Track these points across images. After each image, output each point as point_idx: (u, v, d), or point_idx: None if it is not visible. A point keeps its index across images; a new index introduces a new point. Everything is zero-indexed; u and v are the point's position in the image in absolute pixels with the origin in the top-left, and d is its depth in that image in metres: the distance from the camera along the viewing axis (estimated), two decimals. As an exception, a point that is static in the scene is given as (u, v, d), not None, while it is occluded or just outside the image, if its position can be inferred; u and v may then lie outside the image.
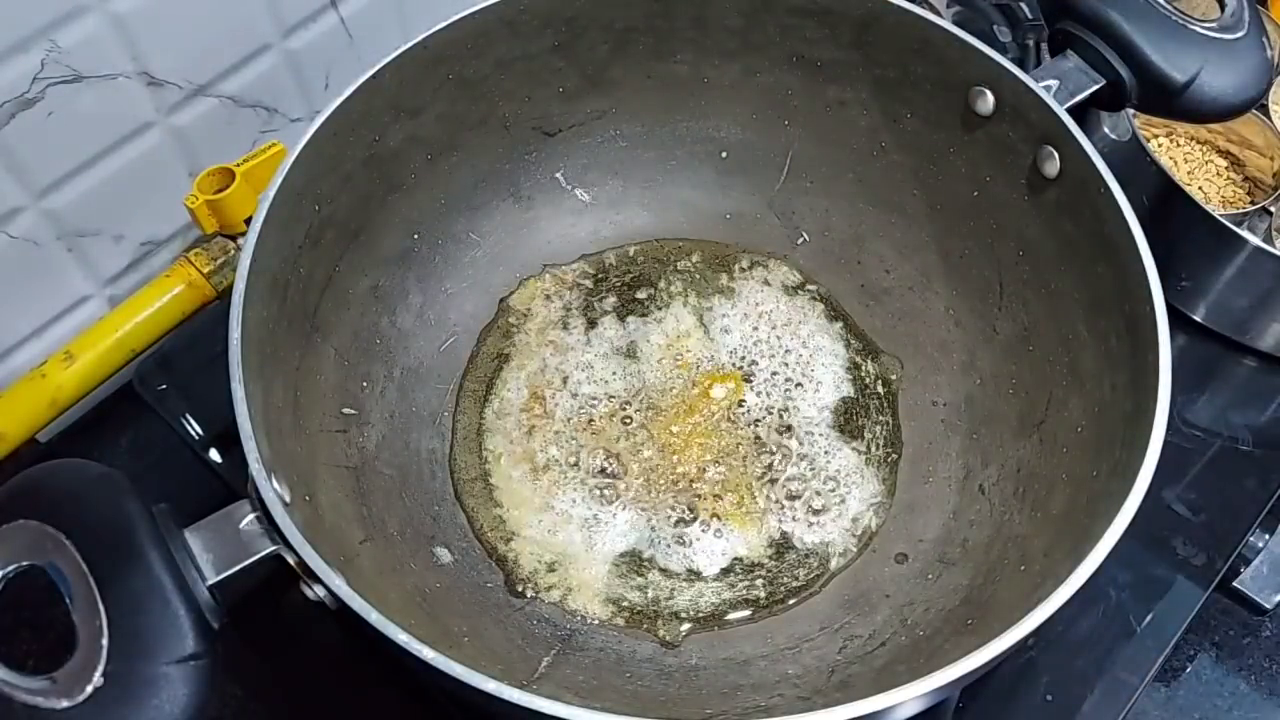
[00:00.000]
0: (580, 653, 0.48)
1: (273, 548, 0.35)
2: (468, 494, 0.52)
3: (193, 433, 0.55)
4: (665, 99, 0.59)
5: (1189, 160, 0.67)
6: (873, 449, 0.54)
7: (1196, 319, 0.61)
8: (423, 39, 0.50)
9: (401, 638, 0.34)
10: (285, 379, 0.45)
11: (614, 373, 0.56)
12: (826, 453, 0.54)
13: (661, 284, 0.60)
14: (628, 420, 0.55)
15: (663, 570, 0.50)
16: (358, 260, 0.52)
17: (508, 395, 0.56)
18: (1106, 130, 0.62)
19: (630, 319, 0.58)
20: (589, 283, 0.60)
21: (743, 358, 0.57)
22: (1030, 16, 0.69)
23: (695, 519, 0.52)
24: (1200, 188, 0.65)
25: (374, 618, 0.34)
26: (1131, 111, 0.60)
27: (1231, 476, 0.57)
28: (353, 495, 0.48)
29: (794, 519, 0.52)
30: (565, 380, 0.56)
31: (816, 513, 0.52)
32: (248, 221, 0.45)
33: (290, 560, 0.36)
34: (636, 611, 0.49)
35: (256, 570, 0.36)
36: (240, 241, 0.58)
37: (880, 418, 0.55)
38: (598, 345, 0.57)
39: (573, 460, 0.53)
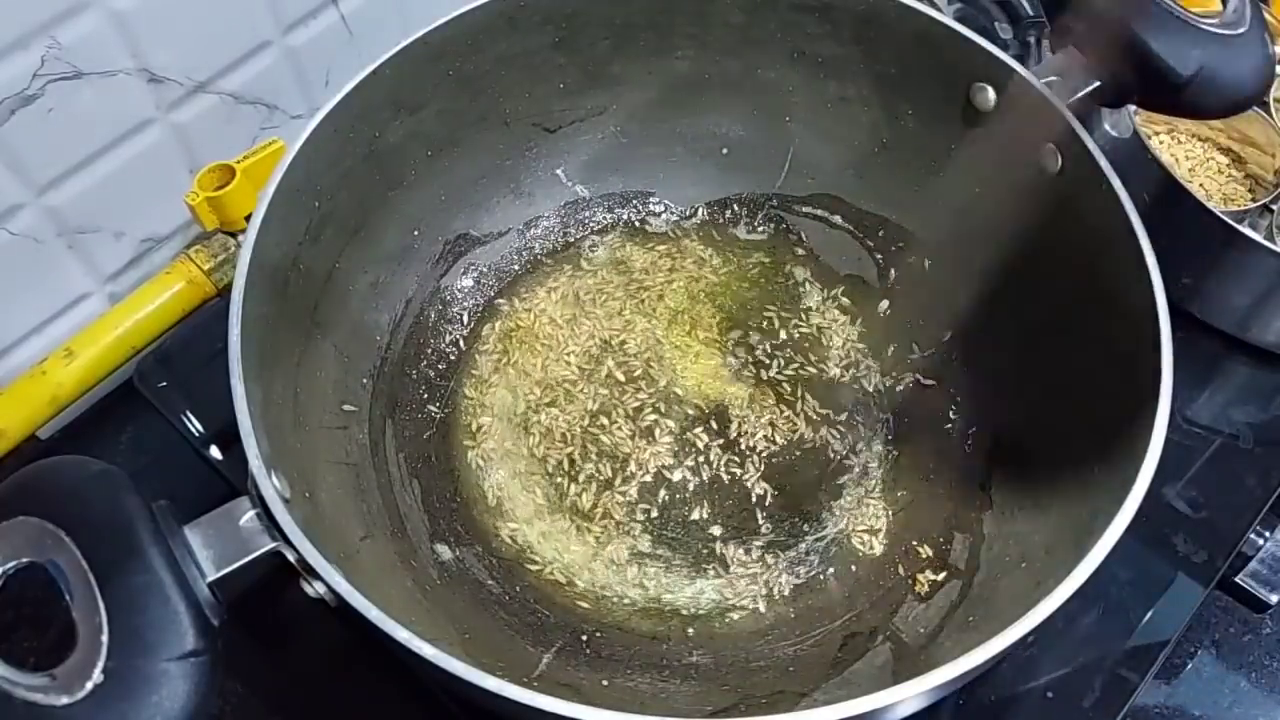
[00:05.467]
0: (581, 649, 0.48)
1: (273, 545, 0.35)
2: (468, 490, 0.52)
3: (193, 429, 0.55)
4: (666, 95, 0.59)
5: (1190, 157, 0.67)
6: (873, 446, 0.54)
7: (1197, 316, 0.61)
8: (423, 35, 0.50)
9: (402, 635, 0.34)
10: (285, 376, 0.45)
11: (617, 368, 0.56)
12: (827, 448, 0.54)
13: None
14: (632, 416, 0.55)
15: (665, 567, 0.50)
16: (358, 256, 0.52)
17: (508, 393, 0.56)
18: (1107, 127, 0.62)
19: (636, 317, 0.58)
20: (590, 278, 0.60)
21: (743, 353, 0.57)
22: (1031, 13, 0.69)
23: (697, 517, 0.52)
24: (1201, 185, 0.65)
25: (374, 615, 0.34)
26: (1133, 108, 0.60)
27: (1232, 474, 0.57)
28: (353, 492, 0.48)
29: (795, 516, 0.52)
30: (566, 377, 0.56)
31: (817, 510, 0.52)
32: (248, 218, 0.44)
33: (290, 557, 0.36)
34: (638, 608, 0.49)
35: (256, 567, 0.35)
36: (240, 238, 0.58)
37: (881, 414, 0.55)
38: (601, 341, 0.57)
39: (574, 456, 0.53)
